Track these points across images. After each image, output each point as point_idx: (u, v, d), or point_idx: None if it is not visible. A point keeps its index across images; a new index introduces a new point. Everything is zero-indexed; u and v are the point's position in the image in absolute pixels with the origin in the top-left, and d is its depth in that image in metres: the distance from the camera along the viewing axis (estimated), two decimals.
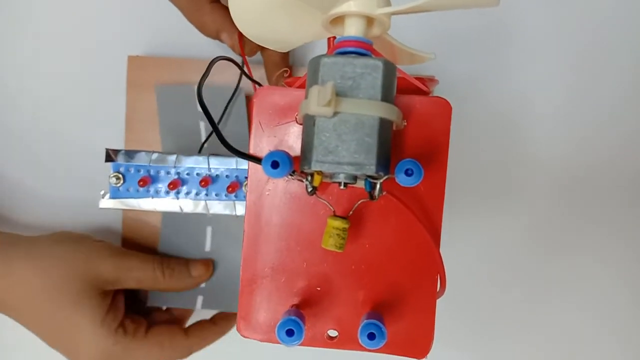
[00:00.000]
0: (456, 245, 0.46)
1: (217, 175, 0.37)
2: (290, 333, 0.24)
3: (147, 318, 0.42)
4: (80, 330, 0.38)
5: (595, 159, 0.47)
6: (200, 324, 0.43)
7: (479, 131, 0.46)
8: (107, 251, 0.40)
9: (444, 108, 0.26)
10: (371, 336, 0.24)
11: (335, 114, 0.22)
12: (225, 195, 0.37)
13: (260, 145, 0.27)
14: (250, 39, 0.27)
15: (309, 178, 0.24)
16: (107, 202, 0.38)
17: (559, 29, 0.46)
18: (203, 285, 0.44)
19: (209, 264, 0.43)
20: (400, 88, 0.29)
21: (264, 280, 0.27)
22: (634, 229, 0.47)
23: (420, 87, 0.31)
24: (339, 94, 0.22)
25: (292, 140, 0.26)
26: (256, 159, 0.25)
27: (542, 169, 0.47)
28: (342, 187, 0.24)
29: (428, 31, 0.45)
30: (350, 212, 0.26)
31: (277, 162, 0.22)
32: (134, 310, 0.42)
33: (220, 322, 0.44)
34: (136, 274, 0.40)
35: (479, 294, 0.47)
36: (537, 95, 0.46)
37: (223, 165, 0.37)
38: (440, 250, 0.26)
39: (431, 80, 0.35)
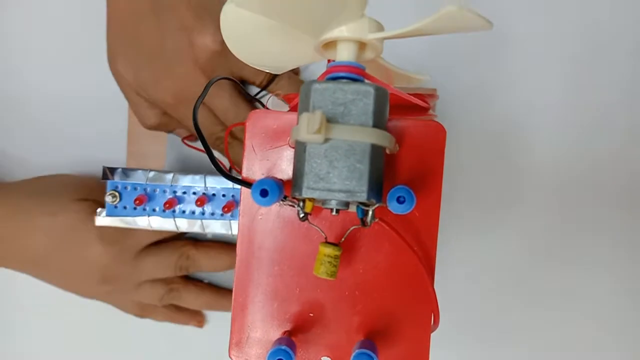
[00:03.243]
0: (457, 254, 0.46)
1: (213, 194, 0.37)
2: None
3: None
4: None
5: (595, 166, 0.46)
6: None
7: (477, 141, 0.46)
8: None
9: (438, 132, 0.25)
10: None
11: (327, 140, 0.22)
12: (222, 215, 0.37)
13: (253, 168, 0.26)
14: (244, 61, 0.27)
15: (301, 204, 0.24)
16: (103, 220, 0.37)
17: (555, 37, 0.46)
18: None
19: None
20: (400, 103, 0.29)
21: (256, 305, 0.26)
22: (634, 235, 0.46)
23: (419, 103, 0.30)
24: (330, 120, 0.22)
25: (285, 164, 0.26)
26: (247, 184, 0.25)
27: (541, 177, 0.46)
28: (334, 213, 0.23)
29: (425, 41, 0.45)
30: (343, 239, 0.25)
31: (266, 190, 0.22)
32: None
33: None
34: None
35: (481, 302, 0.47)
36: (535, 104, 0.46)
37: (220, 184, 0.37)
38: (438, 261, 0.25)
39: (431, 95, 0.35)
